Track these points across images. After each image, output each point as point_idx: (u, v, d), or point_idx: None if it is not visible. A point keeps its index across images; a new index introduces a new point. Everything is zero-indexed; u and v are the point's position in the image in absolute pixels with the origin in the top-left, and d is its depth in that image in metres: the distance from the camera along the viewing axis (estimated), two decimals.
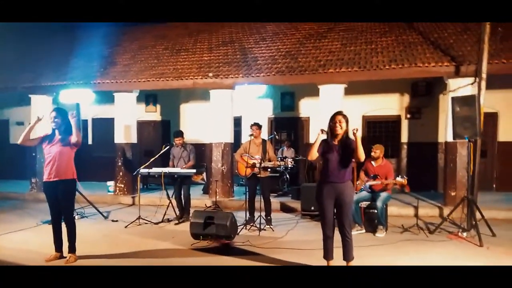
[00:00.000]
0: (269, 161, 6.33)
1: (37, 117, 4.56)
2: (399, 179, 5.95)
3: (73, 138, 4.52)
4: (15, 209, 8.23)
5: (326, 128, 4.08)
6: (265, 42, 9.73)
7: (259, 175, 6.27)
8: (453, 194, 7.40)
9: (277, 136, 10.37)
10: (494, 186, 9.36)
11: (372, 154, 6.11)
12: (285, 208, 7.99)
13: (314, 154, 4.06)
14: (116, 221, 6.95)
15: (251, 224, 6.23)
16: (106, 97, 10.08)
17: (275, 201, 7.87)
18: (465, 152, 7.09)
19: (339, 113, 4.08)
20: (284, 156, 9.38)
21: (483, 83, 6.64)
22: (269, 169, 6.40)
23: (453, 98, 6.25)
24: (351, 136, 4.02)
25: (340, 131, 3.99)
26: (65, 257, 4.65)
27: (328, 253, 4.15)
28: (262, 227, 6.10)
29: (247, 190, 6.45)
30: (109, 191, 9.46)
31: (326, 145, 4.08)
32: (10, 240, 5.70)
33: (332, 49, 8.71)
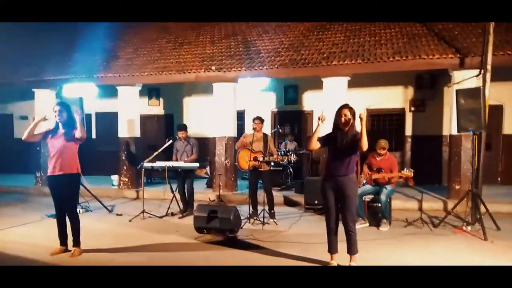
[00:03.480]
0: (271, 155, 6.32)
1: (44, 116, 4.63)
2: (405, 171, 5.92)
3: (78, 133, 4.54)
4: (20, 203, 8.28)
5: (322, 114, 3.99)
6: (268, 34, 9.67)
7: (260, 169, 6.28)
8: (457, 187, 7.37)
9: (280, 130, 10.34)
10: (499, 179, 9.31)
11: (379, 151, 6.07)
12: (288, 202, 7.99)
13: (314, 144, 4.05)
14: (121, 215, 6.99)
15: (255, 217, 6.25)
16: (110, 91, 10.08)
17: (278, 195, 7.89)
18: (470, 145, 7.04)
19: (345, 106, 4.05)
20: (287, 149, 9.38)
21: (488, 75, 6.57)
22: (271, 163, 6.40)
23: (457, 91, 6.19)
24: (357, 126, 3.99)
25: (346, 124, 3.97)
26: (70, 251, 4.69)
27: (332, 247, 4.16)
28: (265, 221, 6.11)
29: (249, 184, 6.46)
30: (113, 185, 9.49)
31: (330, 138, 4.07)
32: (16, 233, 5.75)
33: (336, 41, 8.64)
